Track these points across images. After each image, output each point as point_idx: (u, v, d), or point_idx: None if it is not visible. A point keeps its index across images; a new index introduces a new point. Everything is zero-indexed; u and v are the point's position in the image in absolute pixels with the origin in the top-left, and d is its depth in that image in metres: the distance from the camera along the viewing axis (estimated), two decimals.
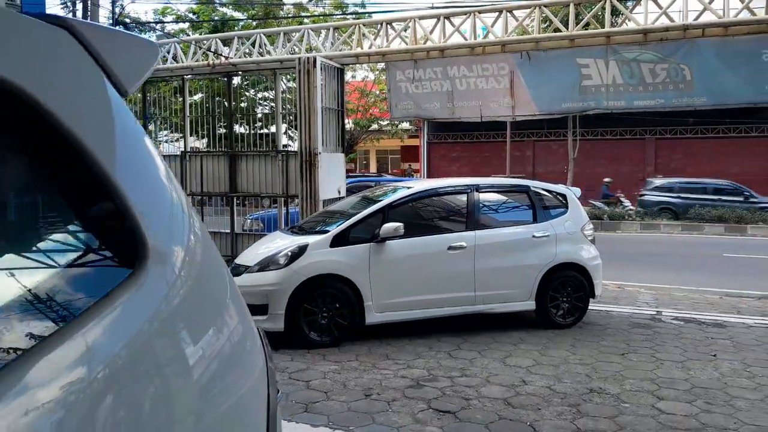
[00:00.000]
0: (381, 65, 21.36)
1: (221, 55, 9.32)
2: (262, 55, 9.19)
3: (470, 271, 6.03)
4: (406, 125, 26.86)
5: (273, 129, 9.93)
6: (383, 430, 3.81)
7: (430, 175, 26.74)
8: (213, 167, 9.78)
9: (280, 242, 6.02)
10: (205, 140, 10.88)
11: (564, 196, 6.83)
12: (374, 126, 24.55)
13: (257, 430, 1.21)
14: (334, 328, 5.63)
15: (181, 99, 10.08)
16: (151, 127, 11.78)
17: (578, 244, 6.57)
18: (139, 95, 10.82)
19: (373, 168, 35.93)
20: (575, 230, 6.60)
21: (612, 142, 25.75)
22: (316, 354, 5.41)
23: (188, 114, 10.15)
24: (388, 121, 24.98)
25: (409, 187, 6.31)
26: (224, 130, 9.73)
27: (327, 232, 5.81)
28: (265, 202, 10.67)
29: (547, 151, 26.86)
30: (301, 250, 5.63)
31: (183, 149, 9.98)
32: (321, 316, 5.60)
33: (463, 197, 6.31)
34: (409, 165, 31.30)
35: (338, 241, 5.73)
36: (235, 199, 9.88)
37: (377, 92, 22.42)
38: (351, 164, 34.37)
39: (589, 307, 6.88)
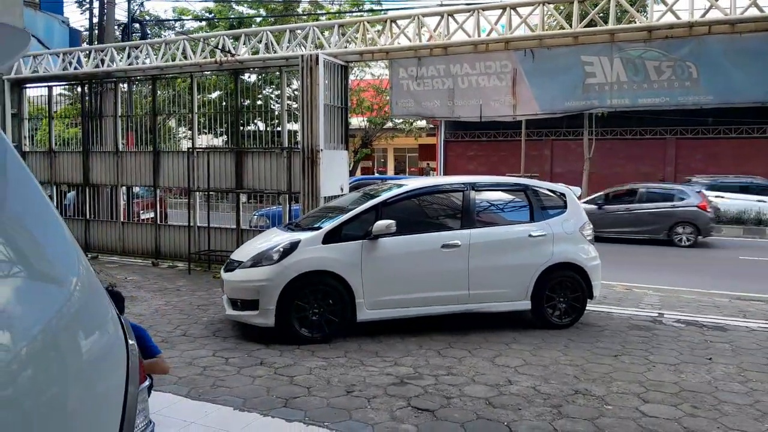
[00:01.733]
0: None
1: (228, 52, 9.40)
2: (269, 53, 9.25)
3: (464, 270, 6.01)
4: (421, 123, 26.77)
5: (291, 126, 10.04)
6: (358, 427, 3.82)
7: (446, 174, 26.65)
8: (219, 164, 9.88)
9: (274, 238, 6.06)
10: (224, 137, 10.96)
11: (563, 195, 6.76)
12: (389, 124, 24.50)
13: (112, 417, 1.39)
14: (325, 325, 5.66)
15: (199, 96, 10.22)
16: (171, 122, 11.96)
17: (576, 244, 6.50)
18: (148, 90, 10.99)
19: (390, 166, 35.94)
20: (573, 230, 6.53)
21: (631, 141, 25.39)
22: (306, 350, 5.44)
23: (197, 111, 10.26)
24: (403, 120, 24.94)
25: (403, 185, 6.30)
26: (235, 128, 9.81)
27: (321, 228, 5.84)
28: (273, 199, 10.75)
29: (565, 150, 26.59)
30: (293, 247, 5.67)
31: (190, 146, 10.09)
32: (312, 313, 5.63)
33: (459, 195, 6.29)
34: (427, 164, 31.25)
35: (331, 237, 5.75)
36: (241, 196, 9.96)
37: None
38: (368, 162, 34.44)
39: (590, 308, 6.80)
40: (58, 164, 11.72)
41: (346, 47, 8.72)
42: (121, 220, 11.10)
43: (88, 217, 11.44)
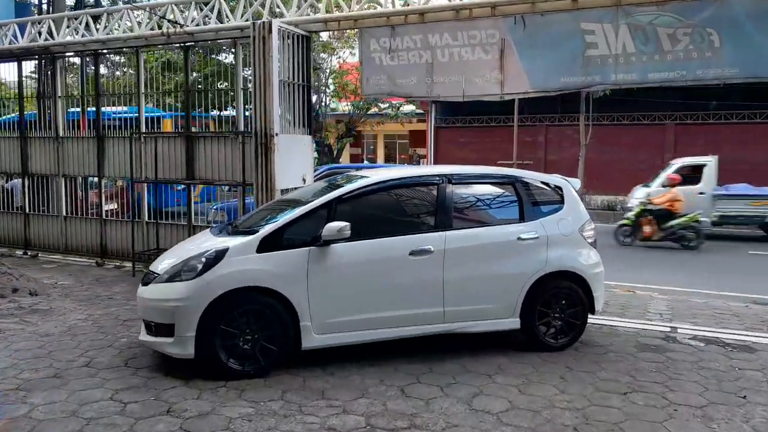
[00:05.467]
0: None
1: (175, 23, 8.14)
2: (222, 23, 8.00)
3: (438, 282, 4.85)
4: (408, 108, 25.52)
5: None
6: None
7: (437, 162, 25.47)
8: (168, 150, 8.65)
9: (203, 244, 4.87)
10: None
11: (560, 188, 5.59)
12: (375, 110, 23.27)
13: None
14: (260, 355, 4.48)
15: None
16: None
17: (575, 247, 5.35)
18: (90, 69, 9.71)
19: (380, 154, 34.72)
20: (572, 231, 5.38)
21: (628, 127, 24.26)
22: (234, 389, 4.28)
23: (143, 91, 9.00)
24: (388, 104, 23.66)
25: (364, 177, 5.11)
26: (186, 111, 8.55)
27: (256, 233, 4.65)
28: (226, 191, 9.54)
29: (560, 136, 25.46)
30: (219, 256, 4.48)
31: (132, 130, 8.84)
32: (243, 340, 4.46)
33: (432, 190, 5.11)
34: (414, 151, 29.99)
35: (269, 244, 4.56)
36: (192, 187, 8.75)
37: None
38: (357, 149, 33.17)
39: (590, 321, 5.67)
40: None
41: (307, 14, 7.47)
42: (63, 214, 9.86)
43: (27, 210, 10.20)
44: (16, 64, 10.07)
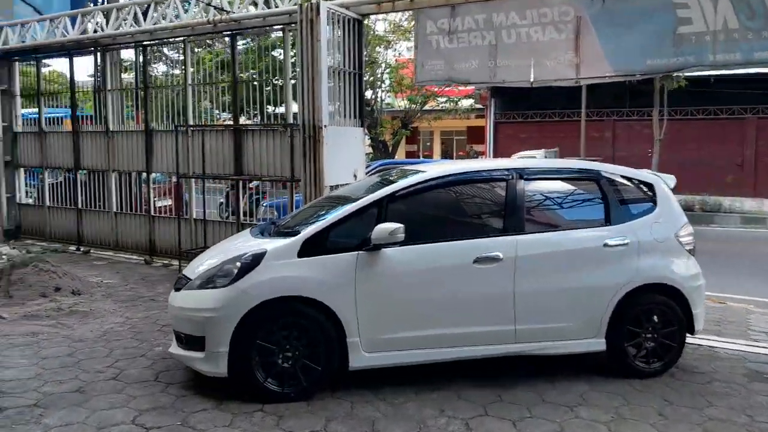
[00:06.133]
0: None
1: (221, 9, 7.72)
2: (269, 8, 7.51)
3: (508, 295, 4.14)
4: (467, 102, 24.63)
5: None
6: None
7: (496, 158, 24.48)
8: (216, 145, 8.26)
9: (240, 246, 4.34)
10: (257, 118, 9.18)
11: (651, 186, 4.75)
12: (433, 104, 22.45)
13: None
14: (301, 375, 3.90)
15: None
16: (206, 102, 10.19)
17: (671, 255, 4.52)
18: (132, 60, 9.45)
19: (437, 150, 33.92)
20: (667, 236, 4.54)
21: (704, 121, 22.52)
22: (271, 414, 3.72)
23: (190, 83, 8.64)
24: (446, 98, 22.83)
25: (422, 171, 4.44)
26: (233, 102, 8.13)
27: (298, 234, 4.07)
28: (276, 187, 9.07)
29: (628, 132, 23.97)
30: (256, 261, 3.92)
31: (177, 123, 8.49)
32: (283, 357, 3.89)
33: (500, 187, 4.39)
34: (471, 147, 29.02)
35: (311, 247, 3.98)
36: (241, 184, 8.33)
37: None
38: (414, 146, 32.48)
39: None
40: (47, 146, 10.40)
41: None
42: (114, 210, 9.67)
43: (80, 206, 10.08)
44: (66, 57, 9.98)
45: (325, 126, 6.44)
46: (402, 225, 3.87)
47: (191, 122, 8.53)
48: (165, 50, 12.64)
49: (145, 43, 9.00)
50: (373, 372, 4.11)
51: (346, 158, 6.78)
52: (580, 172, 4.69)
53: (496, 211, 4.40)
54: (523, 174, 4.42)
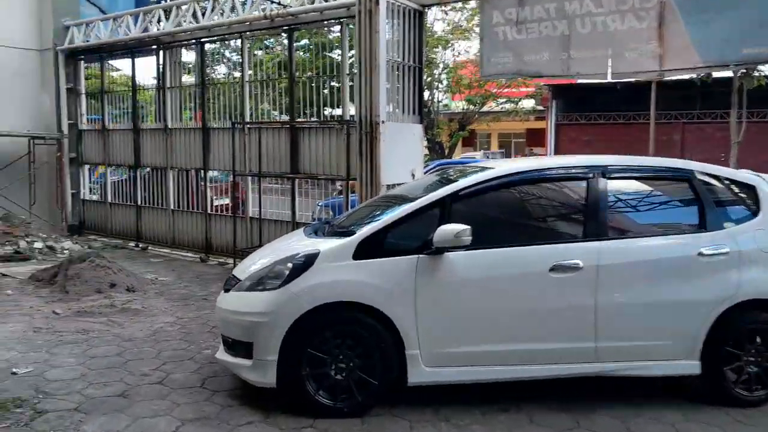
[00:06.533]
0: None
1: (278, 3, 7.53)
2: (327, 1, 7.27)
3: (588, 309, 3.67)
4: (529, 103, 23.83)
5: None
6: None
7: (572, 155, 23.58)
8: (272, 142, 8.09)
9: (293, 246, 4.05)
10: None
11: (752, 188, 4.16)
12: (491, 105, 21.80)
13: None
14: (355, 389, 3.56)
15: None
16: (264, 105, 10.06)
17: None
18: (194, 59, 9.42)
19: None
20: None
21: None
22: (322, 431, 3.39)
23: (247, 80, 8.51)
24: (506, 99, 22.13)
25: (488, 168, 4.02)
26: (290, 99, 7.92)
27: (353, 234, 3.74)
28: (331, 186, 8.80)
29: (699, 135, 22.63)
30: (308, 262, 3.61)
31: (234, 120, 8.37)
32: (336, 369, 3.56)
33: (581, 186, 3.92)
34: (531, 150, 28.12)
35: (368, 249, 3.63)
36: (297, 182, 8.11)
37: None
38: (470, 148, 31.81)
39: None
40: (110, 144, 10.55)
41: None
42: (171, 207, 9.67)
43: (139, 203, 10.16)
44: (130, 56, 10.08)
45: (383, 122, 6.11)
46: (469, 227, 3.47)
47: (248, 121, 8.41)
48: (225, 53, 12.69)
49: (203, 40, 8.95)
50: (434, 388, 3.72)
51: (403, 156, 6.43)
52: (670, 171, 4.15)
53: (575, 213, 3.94)
54: (606, 172, 3.93)
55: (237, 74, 8.95)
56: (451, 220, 3.63)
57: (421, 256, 3.59)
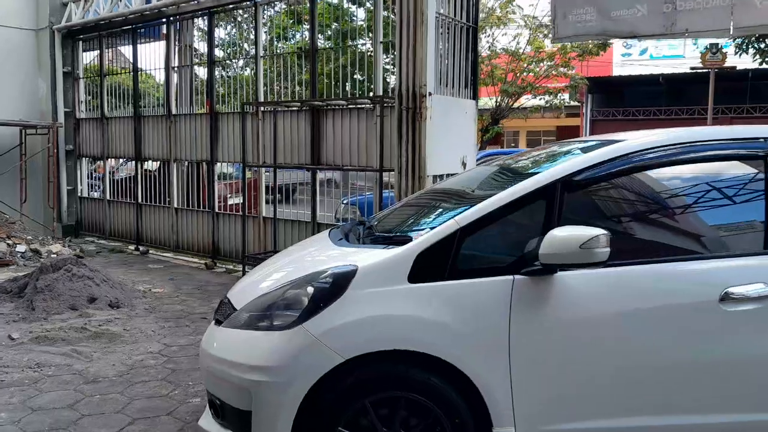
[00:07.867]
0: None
1: None
2: None
3: None
4: (564, 97, 22.26)
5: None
6: None
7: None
8: (289, 128, 6.81)
9: (315, 258, 2.73)
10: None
11: None
12: (526, 98, 20.31)
13: None
14: None
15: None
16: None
17: None
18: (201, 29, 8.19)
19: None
20: None
21: None
22: None
23: (261, 54, 7.25)
24: (540, 97, 20.60)
25: (615, 141, 2.64)
26: (311, 76, 6.65)
27: (408, 242, 2.40)
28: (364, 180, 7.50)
29: None
30: (339, 286, 2.28)
31: (244, 101, 7.11)
32: None
33: (754, 171, 2.54)
34: None
35: (431, 266, 2.29)
36: (318, 174, 6.82)
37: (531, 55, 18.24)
38: (496, 147, 30.28)
39: None
40: (109, 133, 9.38)
41: None
42: (174, 205, 8.46)
43: (140, 200, 8.97)
44: (130, 34, 8.90)
45: (430, 93, 4.75)
46: (607, 232, 2.11)
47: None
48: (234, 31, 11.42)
49: (212, 10, 7.70)
50: None
51: (454, 139, 5.09)
52: None
53: (750, 212, 2.55)
54: None
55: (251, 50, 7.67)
56: (561, 222, 2.28)
57: (518, 276, 2.24)
